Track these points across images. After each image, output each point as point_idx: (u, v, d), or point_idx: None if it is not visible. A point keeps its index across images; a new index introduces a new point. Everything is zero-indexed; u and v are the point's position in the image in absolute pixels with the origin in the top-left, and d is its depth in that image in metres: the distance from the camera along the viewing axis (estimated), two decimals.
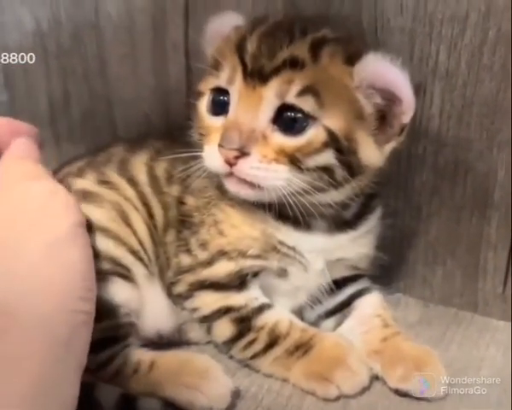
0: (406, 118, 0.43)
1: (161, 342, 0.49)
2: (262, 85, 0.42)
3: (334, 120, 0.42)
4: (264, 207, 0.45)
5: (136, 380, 0.45)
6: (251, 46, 0.43)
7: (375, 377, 0.46)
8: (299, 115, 0.42)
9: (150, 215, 0.49)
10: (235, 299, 0.47)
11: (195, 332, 0.50)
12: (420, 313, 0.54)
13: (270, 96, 0.42)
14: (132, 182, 0.50)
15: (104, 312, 0.44)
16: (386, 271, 0.51)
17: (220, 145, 0.42)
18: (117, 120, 0.63)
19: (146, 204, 0.49)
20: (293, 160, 0.42)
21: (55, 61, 0.64)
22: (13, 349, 0.33)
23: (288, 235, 0.46)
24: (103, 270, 0.45)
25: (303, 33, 0.43)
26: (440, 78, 0.47)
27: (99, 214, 0.46)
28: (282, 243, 0.46)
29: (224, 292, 0.47)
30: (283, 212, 0.44)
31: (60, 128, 0.67)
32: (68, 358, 0.35)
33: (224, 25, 0.46)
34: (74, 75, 0.64)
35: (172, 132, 0.54)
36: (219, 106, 0.44)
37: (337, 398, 0.45)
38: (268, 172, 0.42)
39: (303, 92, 0.42)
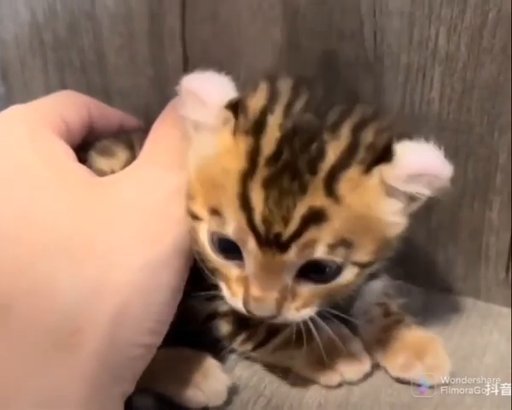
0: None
1: None
2: (281, 253, 0.36)
3: (365, 252, 0.38)
4: None
5: None
6: (257, 202, 0.35)
7: (378, 365, 0.46)
8: (329, 265, 0.37)
9: None
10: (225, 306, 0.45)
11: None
12: (422, 301, 0.53)
13: (293, 260, 0.37)
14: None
15: None
16: (387, 258, 0.51)
17: (248, 311, 0.38)
18: None
19: None
20: (324, 297, 0.40)
21: (52, 54, 0.64)
22: (70, 370, 0.32)
23: None
24: None
25: (312, 167, 0.35)
26: (440, 61, 0.46)
27: None
28: None
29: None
30: None
31: None
32: (115, 387, 0.34)
33: (206, 92, 0.37)
34: (71, 67, 0.63)
35: None
36: (229, 251, 0.38)
37: (339, 385, 0.45)
38: (297, 316, 0.39)
39: (332, 248, 0.36)
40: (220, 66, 0.54)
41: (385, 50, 0.48)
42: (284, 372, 0.46)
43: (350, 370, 0.45)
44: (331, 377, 0.45)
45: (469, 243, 0.51)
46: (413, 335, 0.46)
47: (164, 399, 0.44)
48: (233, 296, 0.39)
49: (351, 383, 0.45)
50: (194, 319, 0.46)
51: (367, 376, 0.45)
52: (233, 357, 0.47)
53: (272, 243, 0.36)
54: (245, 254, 0.37)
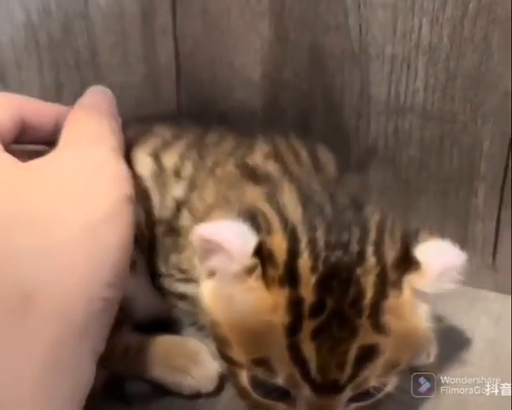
0: None
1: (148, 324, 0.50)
2: (337, 394, 0.36)
3: (407, 362, 0.38)
4: None
5: (125, 363, 0.45)
6: (309, 354, 0.35)
7: None
8: (378, 388, 0.38)
9: (149, 209, 0.48)
10: None
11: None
12: None
13: (347, 394, 0.37)
14: (135, 175, 0.48)
15: None
16: None
17: None
18: None
19: (147, 198, 0.48)
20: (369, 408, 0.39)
21: (47, 54, 0.65)
22: (27, 334, 0.33)
23: None
24: None
25: (357, 310, 0.35)
26: (424, 52, 0.48)
27: None
28: None
29: None
30: None
31: None
32: (82, 344, 0.35)
33: (230, 240, 0.36)
34: (66, 66, 0.65)
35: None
36: (272, 394, 0.38)
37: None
38: None
39: (384, 374, 0.37)
40: (211, 61, 0.57)
41: (370, 42, 0.49)
42: None
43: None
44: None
45: (456, 230, 0.53)
46: None
47: (158, 385, 0.45)
48: None
49: None
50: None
51: None
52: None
53: (328, 388, 0.36)
54: (297, 398, 0.37)
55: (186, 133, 0.50)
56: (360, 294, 0.35)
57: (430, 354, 0.46)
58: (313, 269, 0.36)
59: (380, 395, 0.38)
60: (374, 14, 0.48)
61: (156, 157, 0.48)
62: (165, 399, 0.45)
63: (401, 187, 0.53)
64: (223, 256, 0.36)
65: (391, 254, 0.37)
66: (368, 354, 0.35)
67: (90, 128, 0.42)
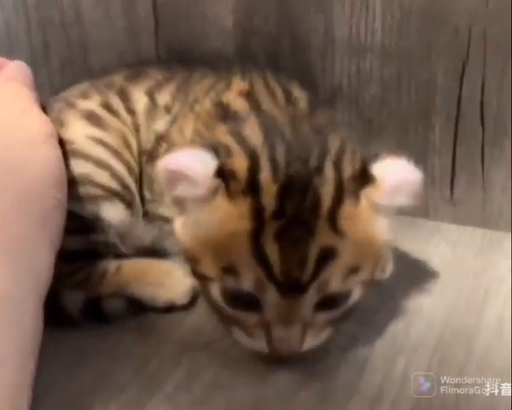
0: None
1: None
2: (301, 294, 0.39)
3: (367, 271, 0.41)
4: None
5: (103, 283, 0.48)
6: (273, 256, 0.38)
7: None
8: (342, 294, 0.41)
9: (139, 142, 0.52)
10: None
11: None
12: None
13: (311, 297, 0.39)
14: (130, 111, 0.52)
15: (94, 227, 0.48)
16: None
17: (272, 351, 0.41)
18: (93, 65, 0.67)
19: (138, 131, 0.52)
20: (337, 320, 0.42)
21: (35, 14, 0.69)
22: None
23: None
24: (107, 187, 0.49)
25: (314, 213, 0.38)
26: None
27: (107, 138, 0.50)
28: None
29: None
30: None
31: (40, 78, 0.71)
32: (41, 234, 0.40)
33: (192, 168, 0.39)
34: (52, 26, 0.68)
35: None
36: (245, 302, 0.40)
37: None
38: (316, 343, 0.42)
39: (344, 279, 0.39)
40: (186, 13, 0.60)
41: None
42: None
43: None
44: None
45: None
46: None
47: (134, 301, 0.48)
48: (254, 340, 0.41)
49: None
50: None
51: None
52: None
53: (292, 288, 0.38)
54: (264, 303, 0.39)
55: (176, 75, 0.54)
56: (318, 200, 0.39)
57: (385, 270, 0.49)
58: (274, 180, 0.39)
59: (346, 305, 0.41)
60: None
61: (151, 95, 0.52)
62: (141, 315, 0.48)
63: (365, 125, 0.56)
64: (187, 183, 0.39)
65: (349, 168, 0.40)
66: (327, 255, 0.38)
67: (15, 90, 0.47)
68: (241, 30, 0.57)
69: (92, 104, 0.52)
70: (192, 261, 0.42)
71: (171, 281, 0.48)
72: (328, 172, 0.40)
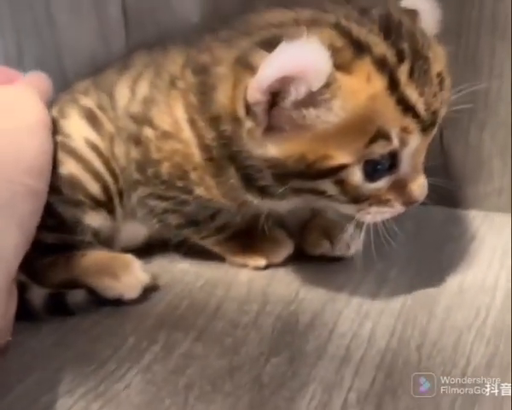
0: None
1: None
2: (434, 127, 0.42)
3: None
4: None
5: (66, 268, 0.50)
6: (414, 96, 0.40)
7: None
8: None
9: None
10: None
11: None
12: None
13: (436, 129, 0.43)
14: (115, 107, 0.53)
15: (74, 229, 0.50)
16: None
17: (410, 203, 0.44)
18: (67, 67, 0.69)
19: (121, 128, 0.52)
20: None
21: (10, 20, 0.70)
22: None
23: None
24: (95, 197, 0.51)
25: (423, 46, 0.42)
26: None
27: (100, 143, 0.52)
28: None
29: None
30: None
31: None
32: (9, 217, 0.42)
33: (310, 64, 0.38)
34: (25, 28, 0.70)
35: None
36: (381, 171, 0.42)
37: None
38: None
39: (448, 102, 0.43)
40: (156, 14, 0.63)
41: None
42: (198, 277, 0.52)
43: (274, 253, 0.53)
44: (259, 261, 0.52)
45: None
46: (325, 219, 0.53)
47: (94, 293, 0.49)
48: (390, 207, 0.44)
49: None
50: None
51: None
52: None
53: (431, 121, 0.41)
54: (403, 153, 0.42)
55: (153, 60, 0.53)
56: (421, 35, 0.42)
57: (350, 246, 0.52)
58: (370, 30, 0.40)
59: None
60: None
61: (132, 89, 0.52)
62: (105, 307, 0.49)
63: None
64: (309, 78, 0.38)
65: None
66: (442, 80, 0.42)
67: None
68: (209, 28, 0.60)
69: (91, 102, 0.53)
70: (321, 162, 0.41)
71: (126, 275, 0.50)
72: (399, 12, 0.43)
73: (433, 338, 0.44)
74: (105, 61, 0.66)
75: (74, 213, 0.51)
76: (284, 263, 0.53)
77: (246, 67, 0.41)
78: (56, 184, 0.49)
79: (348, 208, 0.45)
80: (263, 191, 0.45)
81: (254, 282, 0.51)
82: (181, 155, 0.48)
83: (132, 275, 0.50)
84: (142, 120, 0.50)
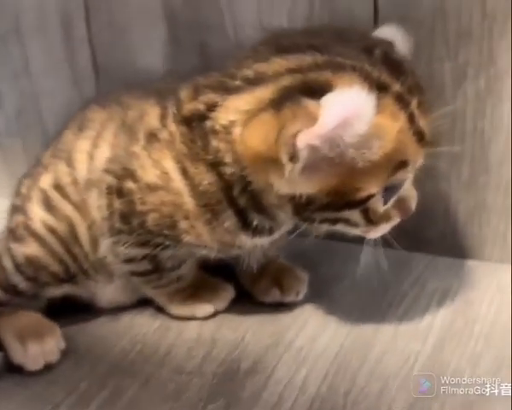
0: None
1: None
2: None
3: None
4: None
5: None
6: (422, 123, 0.44)
7: None
8: None
9: (87, 214, 0.53)
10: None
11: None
12: None
13: None
14: (75, 180, 0.53)
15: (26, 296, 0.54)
16: None
17: (406, 215, 0.49)
18: (44, 113, 0.73)
19: (84, 200, 0.53)
20: None
21: None
22: None
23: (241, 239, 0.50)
24: (51, 273, 0.53)
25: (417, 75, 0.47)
26: None
27: (55, 226, 0.53)
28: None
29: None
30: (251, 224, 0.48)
31: None
32: None
33: (357, 110, 0.41)
34: (5, 76, 0.74)
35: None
36: (394, 193, 0.46)
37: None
38: None
39: None
40: (122, 64, 0.66)
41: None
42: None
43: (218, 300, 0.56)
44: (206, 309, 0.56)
45: None
46: (275, 266, 0.57)
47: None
48: (391, 221, 0.48)
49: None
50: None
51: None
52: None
53: (427, 141, 0.45)
54: (409, 174, 0.46)
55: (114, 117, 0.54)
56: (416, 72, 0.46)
57: (299, 293, 0.55)
58: (381, 71, 0.44)
59: None
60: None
61: (91, 155, 0.53)
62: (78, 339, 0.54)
63: None
64: (355, 125, 0.41)
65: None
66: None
67: None
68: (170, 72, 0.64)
69: (49, 181, 0.54)
70: (351, 194, 0.44)
71: (32, 342, 0.52)
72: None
73: (361, 384, 0.47)
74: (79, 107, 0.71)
75: (32, 287, 0.54)
76: (234, 306, 0.56)
77: (292, 116, 0.42)
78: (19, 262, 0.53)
79: (358, 230, 0.48)
80: (256, 230, 0.48)
81: (205, 325, 0.55)
82: (171, 205, 0.49)
83: (40, 343, 0.52)
84: (122, 174, 0.50)
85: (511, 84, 0.53)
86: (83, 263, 0.54)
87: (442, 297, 0.56)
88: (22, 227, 0.53)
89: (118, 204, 0.51)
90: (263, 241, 0.51)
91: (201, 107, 0.47)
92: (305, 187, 0.44)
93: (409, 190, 0.48)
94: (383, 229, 0.48)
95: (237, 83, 0.46)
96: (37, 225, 0.53)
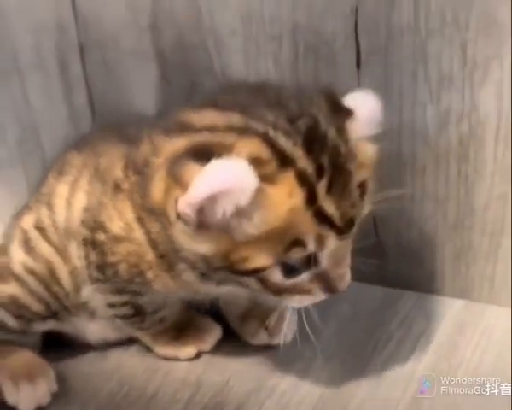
0: None
1: None
2: (351, 231, 0.44)
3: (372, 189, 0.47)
4: None
5: None
6: (330, 209, 0.42)
7: None
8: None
9: (68, 259, 0.54)
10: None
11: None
12: None
13: (354, 230, 0.45)
14: (55, 223, 0.54)
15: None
16: None
17: (332, 292, 0.46)
18: (45, 145, 0.75)
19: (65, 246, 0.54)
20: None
21: None
22: None
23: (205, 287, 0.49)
24: (33, 312, 0.55)
25: (345, 150, 0.43)
26: None
27: (34, 267, 0.54)
28: None
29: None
30: None
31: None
32: None
33: (238, 181, 0.40)
34: (6, 108, 0.76)
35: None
36: (300, 269, 0.45)
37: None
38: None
39: (369, 203, 0.46)
40: (116, 101, 0.68)
41: None
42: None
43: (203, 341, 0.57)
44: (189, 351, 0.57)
45: None
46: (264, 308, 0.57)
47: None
48: (313, 295, 0.46)
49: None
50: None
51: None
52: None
53: (347, 227, 0.44)
54: (322, 256, 0.44)
55: (88, 164, 0.54)
56: (343, 146, 0.43)
57: (287, 334, 0.54)
58: (295, 143, 0.42)
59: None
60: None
61: (69, 202, 0.53)
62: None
63: None
64: (237, 196, 0.40)
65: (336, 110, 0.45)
66: (363, 187, 0.44)
67: None
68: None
69: (30, 221, 0.55)
70: (240, 264, 0.43)
71: (26, 385, 0.53)
72: (327, 123, 0.43)
73: None
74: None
75: (21, 324, 0.55)
76: (221, 346, 0.57)
77: (176, 179, 0.42)
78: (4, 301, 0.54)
79: (273, 299, 0.47)
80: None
81: (192, 366, 0.56)
82: (135, 255, 0.49)
83: (32, 386, 0.53)
84: (94, 226, 0.51)
85: (495, 130, 0.53)
86: (64, 301, 0.55)
87: (427, 340, 0.56)
88: (4, 267, 0.55)
89: (93, 256, 0.51)
90: (233, 290, 0.49)
91: (148, 150, 0.46)
92: (202, 247, 0.43)
93: (334, 268, 0.45)
94: (300, 301, 0.47)
95: (174, 128, 0.45)
96: (17, 267, 0.54)
